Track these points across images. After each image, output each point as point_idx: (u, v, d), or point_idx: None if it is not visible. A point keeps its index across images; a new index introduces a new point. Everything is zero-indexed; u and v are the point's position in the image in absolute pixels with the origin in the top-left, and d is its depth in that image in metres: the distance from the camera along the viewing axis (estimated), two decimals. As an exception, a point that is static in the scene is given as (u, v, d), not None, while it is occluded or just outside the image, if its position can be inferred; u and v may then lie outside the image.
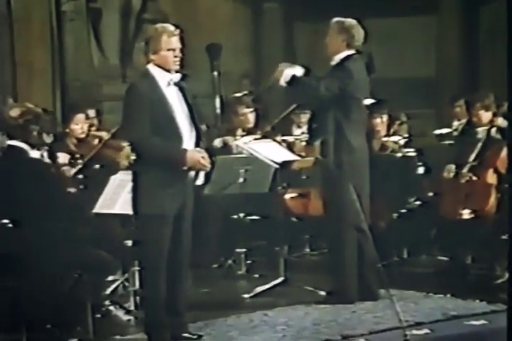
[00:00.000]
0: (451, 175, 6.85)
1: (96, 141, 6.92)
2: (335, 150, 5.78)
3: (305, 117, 8.21)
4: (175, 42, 4.85)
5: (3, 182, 4.97)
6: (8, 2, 9.39)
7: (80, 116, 7.31)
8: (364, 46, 6.02)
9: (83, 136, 7.15)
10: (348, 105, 5.75)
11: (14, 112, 5.07)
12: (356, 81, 5.74)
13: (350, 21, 5.87)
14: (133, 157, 4.99)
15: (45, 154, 5.25)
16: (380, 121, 7.45)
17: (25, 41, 9.49)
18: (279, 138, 7.39)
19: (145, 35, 5.09)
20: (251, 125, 7.68)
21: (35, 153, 5.10)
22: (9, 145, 5.11)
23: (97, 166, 6.38)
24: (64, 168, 6.15)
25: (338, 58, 5.85)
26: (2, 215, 4.94)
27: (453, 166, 6.84)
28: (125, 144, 5.85)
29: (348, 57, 5.83)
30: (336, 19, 5.90)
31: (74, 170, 6.26)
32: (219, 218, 7.26)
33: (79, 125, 7.18)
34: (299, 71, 5.70)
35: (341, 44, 5.83)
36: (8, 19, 9.39)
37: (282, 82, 5.70)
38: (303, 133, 7.90)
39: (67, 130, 7.13)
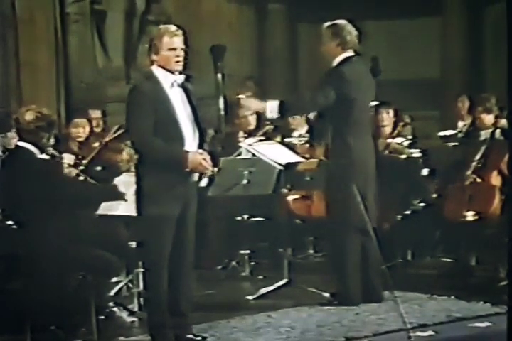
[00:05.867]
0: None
1: (97, 143, 6.95)
2: (334, 152, 5.78)
3: (300, 120, 8.24)
4: (176, 42, 4.85)
5: (9, 182, 4.99)
6: (12, 4, 9.41)
7: (79, 121, 7.36)
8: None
9: (82, 139, 7.20)
10: (344, 107, 5.70)
11: (29, 116, 5.09)
12: (351, 82, 5.69)
13: (341, 23, 5.83)
14: (134, 160, 4.99)
15: (51, 155, 5.28)
16: (387, 116, 7.47)
17: (30, 42, 9.51)
18: (280, 140, 7.41)
19: (149, 36, 5.10)
20: (252, 127, 7.70)
21: (42, 156, 5.12)
22: (17, 146, 5.13)
23: (99, 168, 6.41)
24: (67, 170, 6.17)
25: (336, 61, 5.83)
26: (7, 216, 4.95)
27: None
28: (126, 147, 5.86)
29: (346, 59, 5.81)
30: (326, 24, 5.88)
31: (75, 172, 6.28)
32: (223, 219, 7.28)
33: (78, 129, 7.23)
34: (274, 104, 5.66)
35: (336, 48, 5.80)
36: (12, 21, 9.42)
37: (270, 115, 5.68)
38: (300, 135, 7.93)
39: (69, 132, 7.19)
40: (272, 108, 5.63)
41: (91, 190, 5.56)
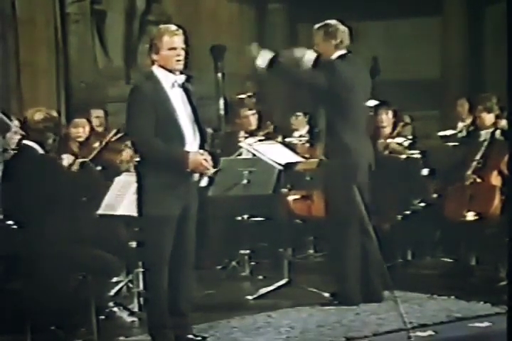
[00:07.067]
0: None
1: (97, 143, 6.95)
2: (331, 151, 5.77)
3: (302, 120, 8.25)
4: (176, 41, 4.85)
5: (9, 182, 4.99)
6: (12, 4, 9.42)
7: (79, 121, 7.37)
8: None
9: (82, 139, 7.21)
10: (338, 104, 5.70)
11: (39, 116, 5.11)
12: (342, 77, 5.69)
13: (333, 23, 5.85)
14: (135, 160, 5.00)
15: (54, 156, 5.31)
16: (386, 117, 7.48)
17: (30, 43, 9.52)
18: (281, 140, 7.42)
19: (149, 36, 5.11)
20: (253, 127, 7.71)
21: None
22: (21, 145, 5.15)
23: (99, 168, 6.41)
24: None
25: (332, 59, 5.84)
26: (7, 216, 4.95)
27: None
28: (126, 147, 5.86)
29: (340, 56, 5.82)
30: (317, 25, 5.89)
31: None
32: (223, 219, 7.28)
33: (77, 129, 7.24)
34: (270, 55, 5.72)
35: (330, 48, 5.82)
36: (12, 21, 9.43)
37: (260, 62, 5.70)
38: (301, 135, 7.94)
39: (69, 132, 7.20)
40: (264, 57, 5.67)
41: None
